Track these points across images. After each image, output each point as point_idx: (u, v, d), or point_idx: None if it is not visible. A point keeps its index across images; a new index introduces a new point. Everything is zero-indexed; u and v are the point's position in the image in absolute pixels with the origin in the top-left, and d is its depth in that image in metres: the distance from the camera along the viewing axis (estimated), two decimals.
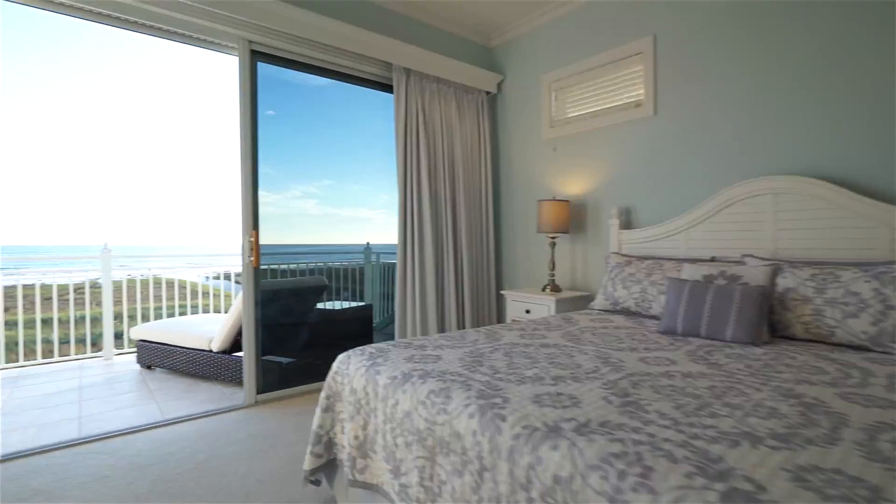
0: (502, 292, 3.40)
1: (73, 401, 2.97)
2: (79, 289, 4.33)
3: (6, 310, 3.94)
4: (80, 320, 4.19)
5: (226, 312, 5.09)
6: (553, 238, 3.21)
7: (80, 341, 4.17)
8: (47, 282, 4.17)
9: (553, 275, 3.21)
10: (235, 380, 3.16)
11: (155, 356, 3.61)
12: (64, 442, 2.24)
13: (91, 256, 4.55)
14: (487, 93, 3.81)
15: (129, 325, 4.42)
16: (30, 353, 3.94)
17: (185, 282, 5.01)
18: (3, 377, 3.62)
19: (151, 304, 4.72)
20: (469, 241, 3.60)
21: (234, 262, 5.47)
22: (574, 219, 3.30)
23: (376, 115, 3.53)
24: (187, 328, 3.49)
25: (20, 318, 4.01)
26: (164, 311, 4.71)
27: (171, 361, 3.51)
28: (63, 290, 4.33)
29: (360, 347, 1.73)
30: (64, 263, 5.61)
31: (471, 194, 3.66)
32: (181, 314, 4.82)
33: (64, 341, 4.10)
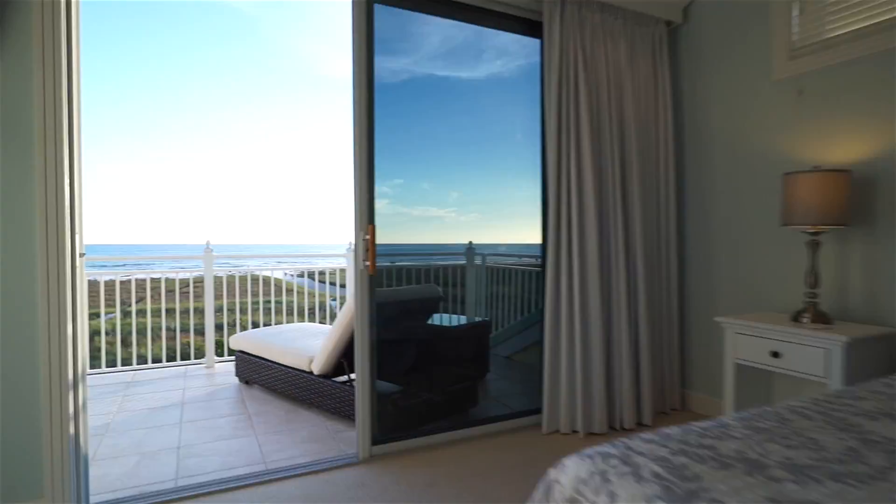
0: (718, 319, 2.25)
1: (174, 421, 2.75)
2: (184, 287, 4.26)
3: (110, 305, 3.95)
4: (184, 314, 4.12)
5: (314, 319, 4.82)
6: (815, 234, 2.05)
7: (186, 346, 4.10)
8: (155, 276, 4.13)
9: (815, 294, 2.06)
10: (340, 412, 2.74)
11: (253, 371, 3.35)
12: (159, 494, 1.92)
13: (193, 257, 4.48)
14: (668, 23, 2.78)
15: (229, 324, 4.28)
16: (142, 348, 3.91)
17: (274, 279, 4.84)
18: (117, 381, 3.58)
19: (249, 300, 4.59)
20: (645, 240, 2.62)
21: (319, 261, 5.20)
22: (854, 202, 2.06)
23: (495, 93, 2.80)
24: (285, 343, 3.16)
25: (131, 317, 4.00)
26: (261, 307, 4.55)
27: (269, 379, 3.21)
28: (170, 285, 4.29)
29: (608, 450, 0.98)
30: (165, 264, 5.73)
31: (646, 171, 2.67)
32: (277, 310, 4.64)
33: (171, 353, 4.04)
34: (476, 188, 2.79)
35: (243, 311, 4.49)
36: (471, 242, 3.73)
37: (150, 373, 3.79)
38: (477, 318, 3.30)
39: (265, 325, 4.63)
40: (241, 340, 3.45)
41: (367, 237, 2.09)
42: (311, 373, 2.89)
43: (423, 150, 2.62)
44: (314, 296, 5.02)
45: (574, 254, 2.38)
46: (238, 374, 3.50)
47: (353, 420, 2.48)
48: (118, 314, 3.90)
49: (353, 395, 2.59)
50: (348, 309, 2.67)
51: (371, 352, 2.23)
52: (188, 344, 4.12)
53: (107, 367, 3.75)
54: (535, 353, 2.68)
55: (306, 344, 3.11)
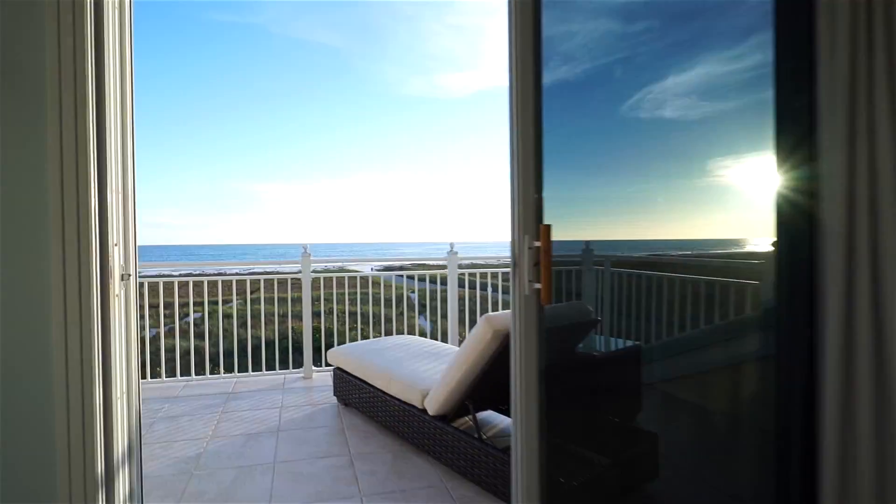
0: None
1: (268, 459, 2.30)
2: (282, 284, 3.93)
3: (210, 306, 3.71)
4: (282, 318, 3.78)
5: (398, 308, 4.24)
6: None
7: (284, 351, 3.77)
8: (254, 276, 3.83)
9: None
10: (465, 471, 2.07)
11: (352, 392, 2.83)
12: None
13: (290, 262, 4.13)
14: None
15: (327, 326, 3.87)
16: (242, 356, 3.64)
17: (372, 278, 4.34)
18: (220, 390, 3.32)
19: (346, 293, 4.14)
20: None
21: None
22: None
23: None
24: (390, 367, 2.57)
25: (230, 322, 3.75)
26: (358, 303, 4.09)
27: (372, 407, 2.66)
28: (269, 286, 3.99)
29: None
30: (260, 268, 5.57)
31: None
32: (362, 301, 4.15)
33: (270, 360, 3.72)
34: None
35: (341, 308, 4.04)
36: (587, 244, 2.78)
37: (251, 381, 3.49)
38: (628, 342, 2.40)
39: (360, 323, 4.18)
40: (339, 357, 2.95)
41: (537, 243, 1.30)
42: (423, 411, 2.26)
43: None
44: (403, 289, 4.47)
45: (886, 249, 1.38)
46: (337, 393, 3.02)
47: (482, 483, 1.79)
48: (220, 317, 3.67)
49: (483, 450, 1.89)
50: (478, 340, 1.98)
51: (539, 405, 1.48)
52: (286, 349, 3.79)
53: (210, 374, 3.51)
54: (718, 385, 1.71)
55: (416, 371, 2.49)
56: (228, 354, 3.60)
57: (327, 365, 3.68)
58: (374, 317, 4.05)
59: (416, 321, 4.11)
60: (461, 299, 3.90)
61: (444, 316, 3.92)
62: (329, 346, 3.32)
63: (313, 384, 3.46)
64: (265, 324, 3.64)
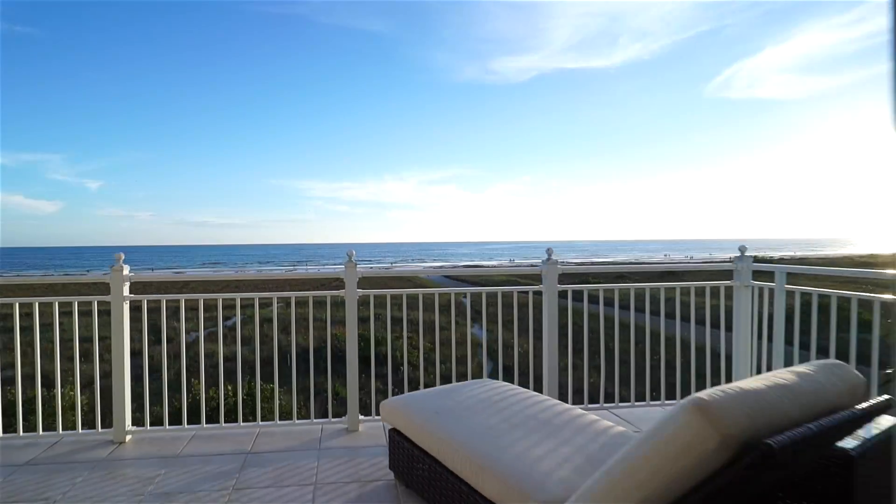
0: None
1: None
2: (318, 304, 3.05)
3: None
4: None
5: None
6: None
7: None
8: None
9: None
10: None
11: (418, 471, 1.88)
12: None
13: (334, 271, 3.26)
14: None
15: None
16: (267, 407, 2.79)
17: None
18: (234, 448, 2.50)
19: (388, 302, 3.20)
20: None
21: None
22: None
23: None
24: (479, 444, 1.59)
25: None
26: (404, 308, 3.11)
27: (449, 501, 1.68)
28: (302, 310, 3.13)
29: None
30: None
31: None
32: (409, 307, 3.17)
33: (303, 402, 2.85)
34: None
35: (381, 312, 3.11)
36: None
37: (278, 433, 2.63)
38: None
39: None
40: (397, 414, 2.01)
41: None
42: None
43: None
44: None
45: None
46: (393, 465, 2.08)
47: None
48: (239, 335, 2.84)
49: None
50: (681, 447, 0.94)
51: None
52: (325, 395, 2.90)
53: (226, 421, 2.67)
54: None
55: (525, 458, 1.48)
56: (250, 399, 2.76)
57: (378, 414, 2.77)
58: (424, 324, 3.02)
59: (468, 329, 3.11)
60: (560, 322, 2.86)
61: (507, 325, 2.91)
62: (363, 356, 2.40)
63: (360, 442, 2.54)
64: (296, 331, 2.74)
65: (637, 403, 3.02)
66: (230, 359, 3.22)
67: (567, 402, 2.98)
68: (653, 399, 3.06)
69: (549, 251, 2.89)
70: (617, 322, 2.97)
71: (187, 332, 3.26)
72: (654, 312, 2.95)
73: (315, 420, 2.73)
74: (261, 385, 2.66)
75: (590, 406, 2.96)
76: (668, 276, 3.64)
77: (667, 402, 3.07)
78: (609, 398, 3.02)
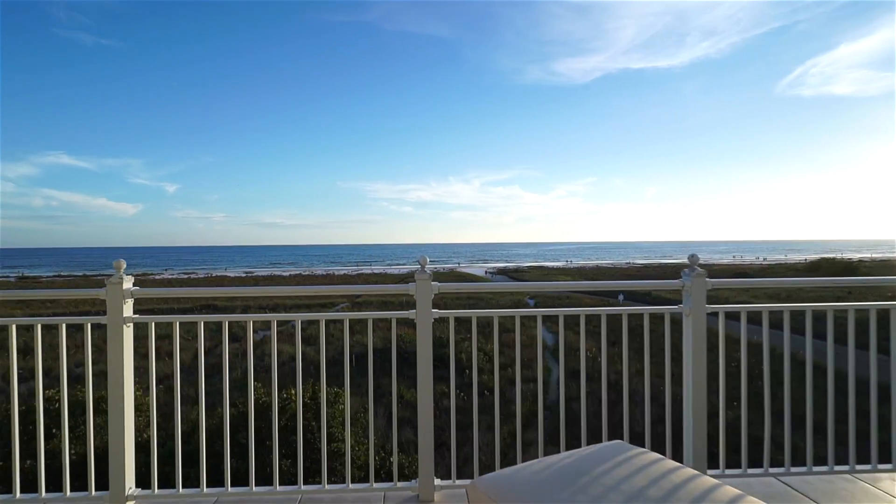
0: None
1: None
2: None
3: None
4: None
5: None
6: None
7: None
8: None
9: None
10: None
11: None
12: None
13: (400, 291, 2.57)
14: None
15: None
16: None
17: None
18: None
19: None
20: None
21: None
22: None
23: None
24: None
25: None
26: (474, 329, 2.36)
27: None
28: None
29: None
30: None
31: None
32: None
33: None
34: None
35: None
36: None
37: (324, 501, 1.93)
38: None
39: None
40: (494, 497, 1.25)
41: None
42: None
43: None
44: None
45: None
46: None
47: None
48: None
49: None
50: None
51: None
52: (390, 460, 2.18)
53: (257, 483, 1.99)
54: None
55: None
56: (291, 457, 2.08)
57: (461, 476, 2.02)
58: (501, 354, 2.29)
59: (541, 356, 2.32)
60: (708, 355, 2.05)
61: (596, 354, 2.11)
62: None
63: None
64: (350, 357, 2.05)
65: (816, 469, 2.16)
66: (263, 398, 2.58)
67: (718, 464, 2.18)
68: (838, 463, 2.18)
69: (692, 258, 2.09)
70: (788, 357, 2.12)
71: (210, 361, 2.64)
72: (840, 340, 2.09)
73: (376, 485, 2.00)
74: (303, 436, 1.97)
75: (749, 472, 2.13)
76: (846, 296, 2.74)
77: (858, 466, 2.19)
78: (777, 461, 2.16)
